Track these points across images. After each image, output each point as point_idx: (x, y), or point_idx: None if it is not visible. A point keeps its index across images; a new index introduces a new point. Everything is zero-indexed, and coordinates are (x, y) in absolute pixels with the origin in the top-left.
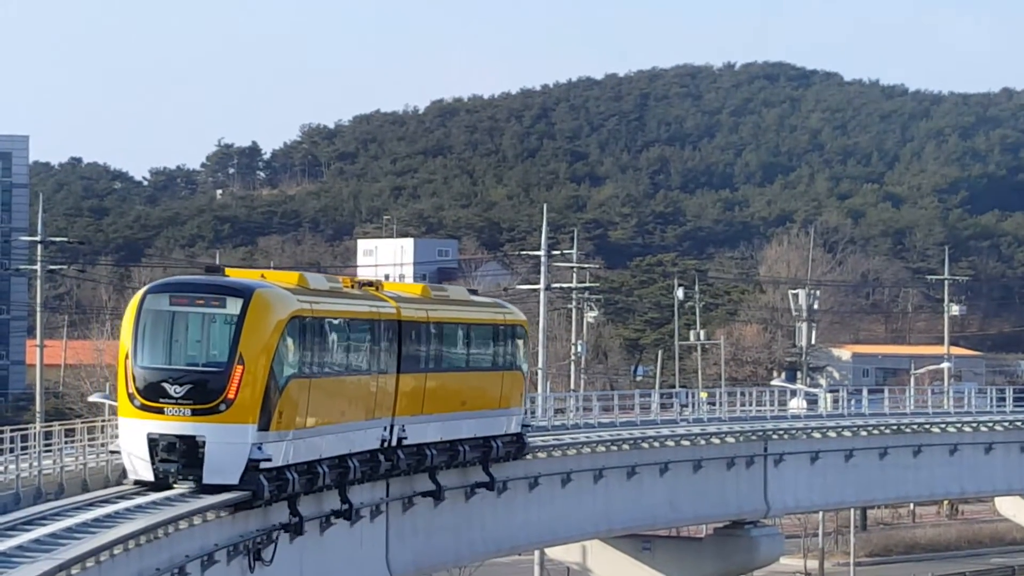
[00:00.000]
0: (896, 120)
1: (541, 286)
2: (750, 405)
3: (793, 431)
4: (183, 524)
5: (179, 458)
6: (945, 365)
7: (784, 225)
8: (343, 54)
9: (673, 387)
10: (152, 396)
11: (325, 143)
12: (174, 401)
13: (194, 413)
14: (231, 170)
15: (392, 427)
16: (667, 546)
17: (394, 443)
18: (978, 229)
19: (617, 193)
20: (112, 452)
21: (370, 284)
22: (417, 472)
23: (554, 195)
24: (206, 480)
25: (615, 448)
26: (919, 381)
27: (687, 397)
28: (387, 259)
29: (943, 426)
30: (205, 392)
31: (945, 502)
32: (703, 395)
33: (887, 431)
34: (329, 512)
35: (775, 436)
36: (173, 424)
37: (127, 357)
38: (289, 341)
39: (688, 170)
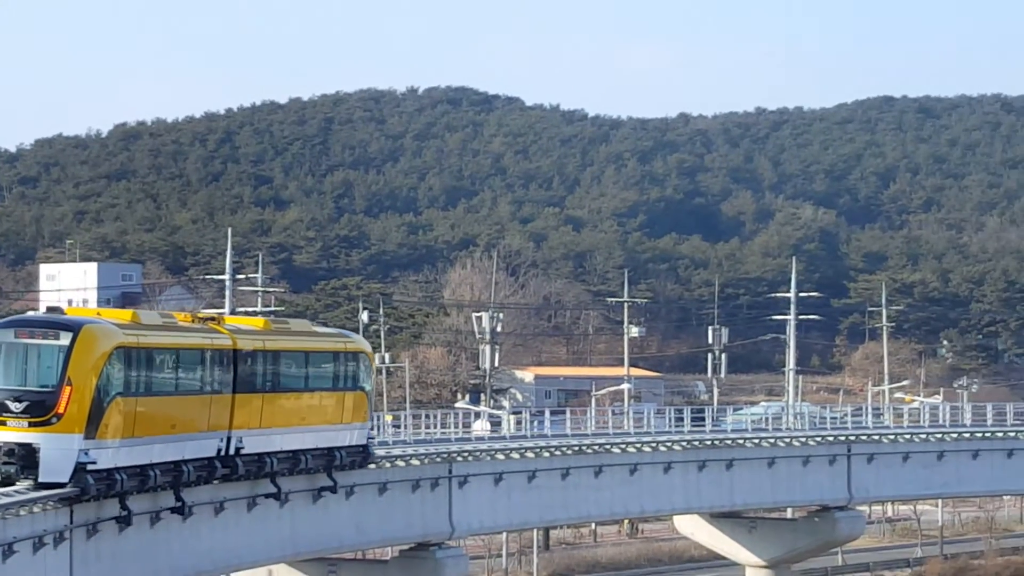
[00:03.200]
0: (576, 144)
1: (226, 310)
2: (435, 427)
3: (477, 453)
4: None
5: (19, 461)
6: (625, 386)
7: (467, 248)
8: (25, 75)
9: None
10: None
11: (6, 167)
12: (15, 415)
13: (31, 424)
14: None
15: (229, 439)
16: (353, 569)
17: (231, 452)
18: (656, 252)
19: (302, 217)
20: None
21: (212, 319)
22: (258, 477)
23: (239, 219)
24: (42, 479)
25: (300, 473)
26: (600, 402)
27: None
28: (70, 283)
29: (623, 446)
30: (40, 407)
31: (626, 521)
32: (388, 418)
33: (569, 452)
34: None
35: (459, 458)
36: (14, 434)
37: None
38: (114, 366)
39: (372, 194)
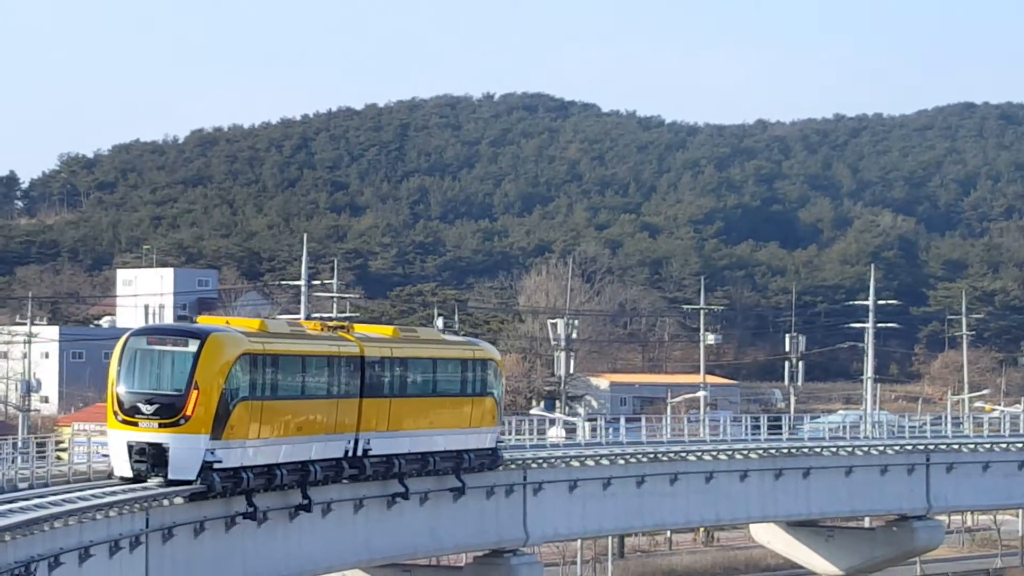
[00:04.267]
0: (653, 151)
1: (302, 316)
2: (510, 434)
3: (552, 460)
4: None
5: (150, 459)
6: (701, 393)
7: (543, 255)
8: (102, 82)
9: None
10: (130, 413)
11: (84, 172)
12: (146, 417)
13: (161, 426)
14: None
15: (357, 440)
16: (427, 575)
17: (359, 453)
18: (733, 259)
19: (377, 223)
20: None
21: (341, 327)
22: (386, 478)
23: (314, 225)
24: (171, 477)
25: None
26: (676, 410)
27: None
28: (146, 289)
29: (699, 454)
30: (169, 410)
31: (701, 529)
32: None
33: (644, 459)
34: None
35: (534, 465)
36: (146, 434)
37: (113, 384)
38: (240, 372)
39: (448, 200)
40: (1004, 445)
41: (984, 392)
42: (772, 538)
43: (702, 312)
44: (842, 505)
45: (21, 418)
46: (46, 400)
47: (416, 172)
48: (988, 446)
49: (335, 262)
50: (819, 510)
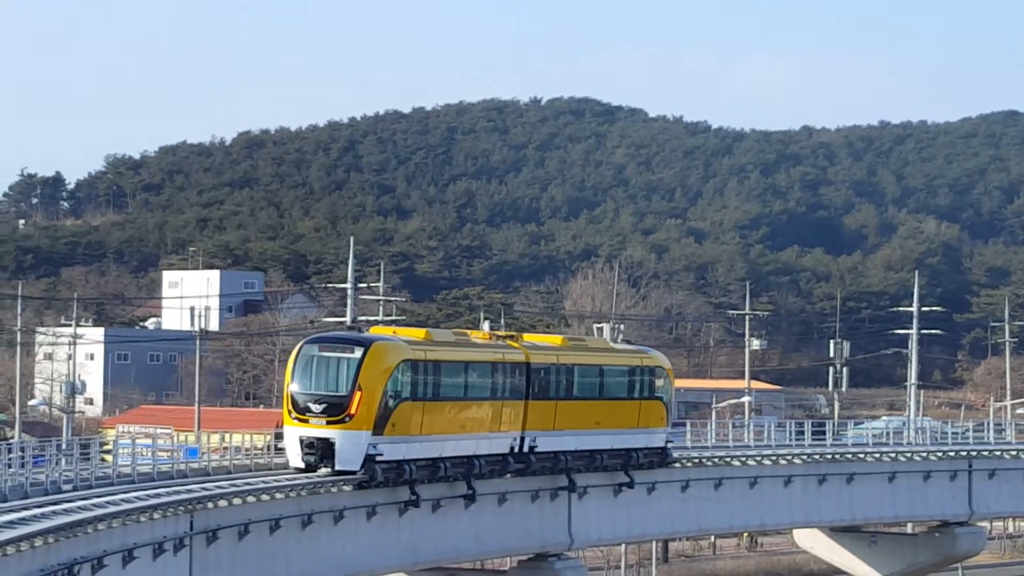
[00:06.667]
0: (699, 156)
1: (347, 319)
2: None
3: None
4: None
5: (319, 452)
6: (746, 399)
7: (589, 259)
8: (148, 84)
9: None
10: (302, 411)
11: (130, 174)
12: (316, 415)
13: (328, 423)
14: (34, 200)
15: (523, 438)
16: None
17: (525, 450)
18: (778, 265)
19: (424, 226)
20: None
21: (511, 336)
22: (552, 472)
23: (361, 228)
24: (337, 467)
25: (423, 481)
26: (720, 415)
27: None
28: (193, 291)
29: (744, 459)
30: (336, 408)
31: (745, 534)
32: None
33: (689, 464)
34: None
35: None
36: (315, 430)
37: (287, 385)
38: (400, 376)
39: (494, 204)
40: None
41: None
42: (815, 543)
43: (747, 317)
44: (885, 511)
45: (65, 420)
46: (91, 402)
47: (463, 176)
48: None
49: (381, 265)
50: (862, 516)
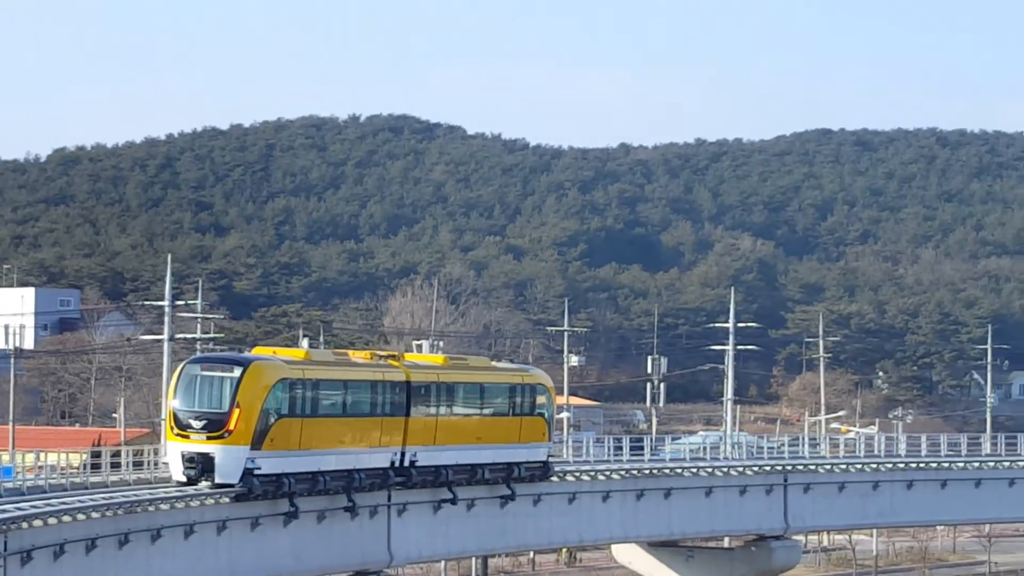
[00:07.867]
0: (518, 174)
1: (165, 336)
2: None
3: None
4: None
5: (199, 466)
6: (565, 415)
7: (408, 276)
8: None
9: None
10: (183, 427)
11: None
12: (196, 431)
13: (208, 438)
14: None
15: (403, 453)
16: None
17: (406, 464)
18: (596, 281)
19: (242, 243)
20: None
21: (393, 356)
22: (433, 486)
23: (178, 245)
24: (217, 481)
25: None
26: None
27: None
28: (7, 308)
29: (562, 475)
30: (216, 425)
31: (564, 550)
32: None
33: None
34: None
35: (397, 488)
36: (196, 445)
37: (169, 402)
38: (278, 394)
39: (313, 221)
40: (859, 466)
41: (840, 414)
42: (633, 558)
43: (566, 334)
44: (702, 525)
45: None
46: None
47: (281, 193)
48: (844, 467)
49: (199, 283)
50: (680, 530)
